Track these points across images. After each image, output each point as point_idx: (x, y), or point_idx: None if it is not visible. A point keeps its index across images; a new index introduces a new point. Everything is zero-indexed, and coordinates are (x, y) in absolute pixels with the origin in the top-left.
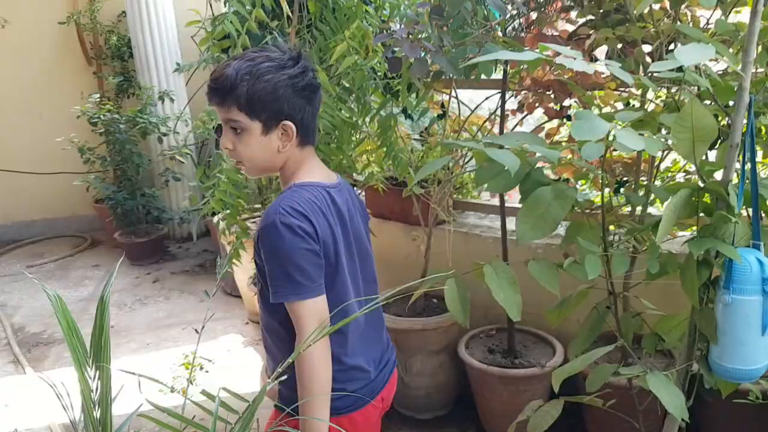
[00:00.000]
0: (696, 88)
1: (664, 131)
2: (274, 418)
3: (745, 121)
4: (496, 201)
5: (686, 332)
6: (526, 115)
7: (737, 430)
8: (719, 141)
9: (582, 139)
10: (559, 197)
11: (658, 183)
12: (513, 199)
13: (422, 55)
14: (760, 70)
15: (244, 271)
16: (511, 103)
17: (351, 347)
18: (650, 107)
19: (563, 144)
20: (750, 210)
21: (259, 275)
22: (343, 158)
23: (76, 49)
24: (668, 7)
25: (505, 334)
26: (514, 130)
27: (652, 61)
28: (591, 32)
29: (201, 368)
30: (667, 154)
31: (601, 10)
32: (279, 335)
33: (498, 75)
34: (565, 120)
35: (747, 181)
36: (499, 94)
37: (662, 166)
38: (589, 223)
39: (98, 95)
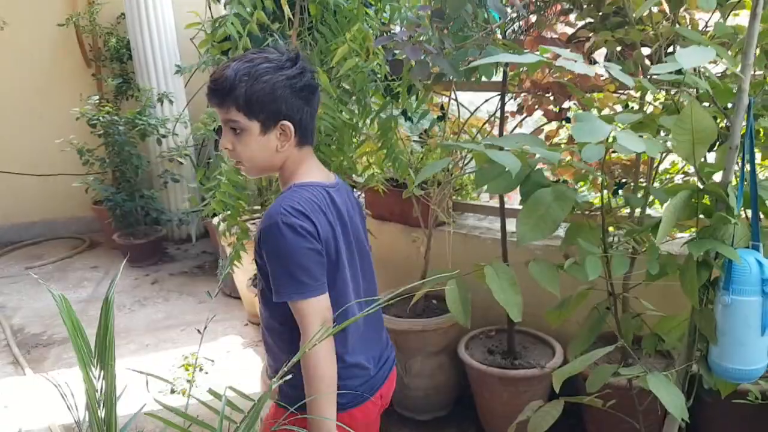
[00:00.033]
0: (695, 90)
1: (663, 133)
2: (273, 415)
3: (744, 123)
4: (495, 203)
5: (686, 333)
6: (526, 117)
7: (736, 430)
8: (718, 143)
9: (583, 141)
10: (559, 199)
11: (656, 185)
12: (512, 200)
13: (423, 57)
14: (758, 72)
15: (243, 272)
16: (511, 106)
17: (351, 345)
18: (649, 109)
19: (563, 146)
20: (749, 211)
21: (260, 275)
22: (343, 160)
23: (75, 51)
24: (667, 10)
25: (504, 335)
26: (513, 132)
27: (651, 63)
28: (590, 35)
29: (200, 369)
30: (666, 156)
31: (600, 13)
32: (280, 335)
33: (498, 77)
34: (564, 122)
35: (746, 183)
36: (499, 97)
37: (661, 168)
38: (588, 224)
39: (97, 97)
